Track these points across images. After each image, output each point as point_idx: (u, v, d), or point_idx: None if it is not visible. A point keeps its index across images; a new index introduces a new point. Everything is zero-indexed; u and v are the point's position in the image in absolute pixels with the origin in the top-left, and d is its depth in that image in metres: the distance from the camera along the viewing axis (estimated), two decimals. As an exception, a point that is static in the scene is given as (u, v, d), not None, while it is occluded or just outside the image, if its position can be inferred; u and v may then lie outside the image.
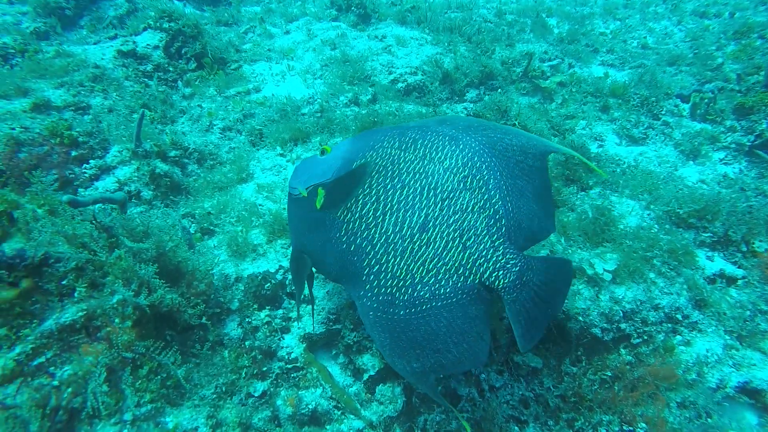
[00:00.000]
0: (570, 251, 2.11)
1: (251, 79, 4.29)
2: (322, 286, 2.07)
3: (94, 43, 4.47)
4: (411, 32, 4.53)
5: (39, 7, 5.33)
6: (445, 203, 1.40)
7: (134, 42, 4.20)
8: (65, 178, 2.57)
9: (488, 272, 1.38)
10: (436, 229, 1.39)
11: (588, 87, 4.06)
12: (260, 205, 2.43)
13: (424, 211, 1.40)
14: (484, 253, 1.38)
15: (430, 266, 1.39)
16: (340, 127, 2.91)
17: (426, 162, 1.43)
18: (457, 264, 1.39)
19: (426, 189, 1.41)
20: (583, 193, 2.59)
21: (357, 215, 1.45)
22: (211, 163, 2.98)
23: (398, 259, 1.40)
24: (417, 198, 1.41)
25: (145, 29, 4.47)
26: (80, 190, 2.58)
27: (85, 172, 2.62)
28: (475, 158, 1.42)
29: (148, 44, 4.23)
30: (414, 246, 1.39)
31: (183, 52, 4.21)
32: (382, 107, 3.13)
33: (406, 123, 1.61)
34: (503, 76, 3.64)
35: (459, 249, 1.39)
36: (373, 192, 1.45)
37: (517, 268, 1.37)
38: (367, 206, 1.45)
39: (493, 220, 1.39)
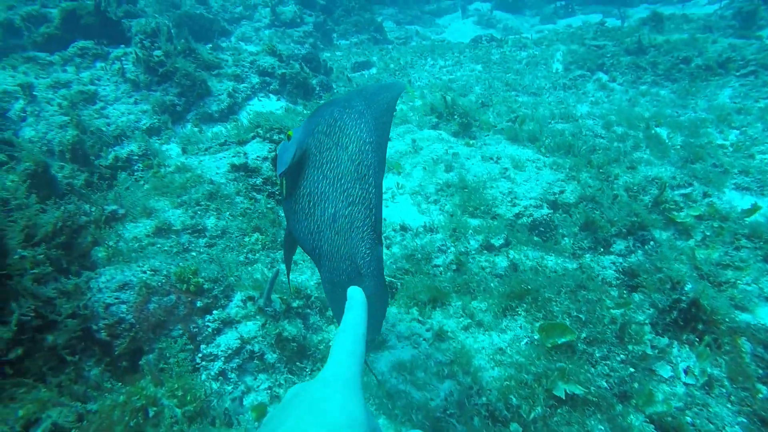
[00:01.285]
0: None
1: (356, 193, 4.18)
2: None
3: (206, 150, 4.58)
4: (524, 152, 4.31)
5: (156, 105, 5.73)
6: (344, 194, 1.40)
7: (245, 153, 4.25)
8: (189, 333, 2.38)
9: (361, 262, 1.37)
10: (340, 221, 1.40)
11: (735, 225, 3.58)
12: (402, 390, 2.09)
13: (334, 203, 1.41)
14: (360, 245, 1.37)
15: (342, 253, 1.40)
16: (480, 287, 2.59)
17: (338, 149, 1.43)
18: (349, 253, 1.39)
19: (336, 180, 1.42)
20: None
21: (299, 205, 1.49)
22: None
23: (327, 246, 1.43)
24: (331, 189, 1.43)
25: (253, 138, 4.56)
26: (203, 347, 2.38)
27: (208, 326, 2.43)
28: (367, 140, 1.40)
29: (258, 156, 4.25)
30: (332, 234, 1.41)
31: (293, 165, 4.19)
32: (521, 258, 2.80)
33: (340, 95, 1.49)
34: (657, 227, 3.24)
35: (348, 240, 1.39)
36: (308, 183, 1.47)
37: (375, 262, 1.35)
38: (305, 198, 1.48)
39: (368, 210, 1.38)
